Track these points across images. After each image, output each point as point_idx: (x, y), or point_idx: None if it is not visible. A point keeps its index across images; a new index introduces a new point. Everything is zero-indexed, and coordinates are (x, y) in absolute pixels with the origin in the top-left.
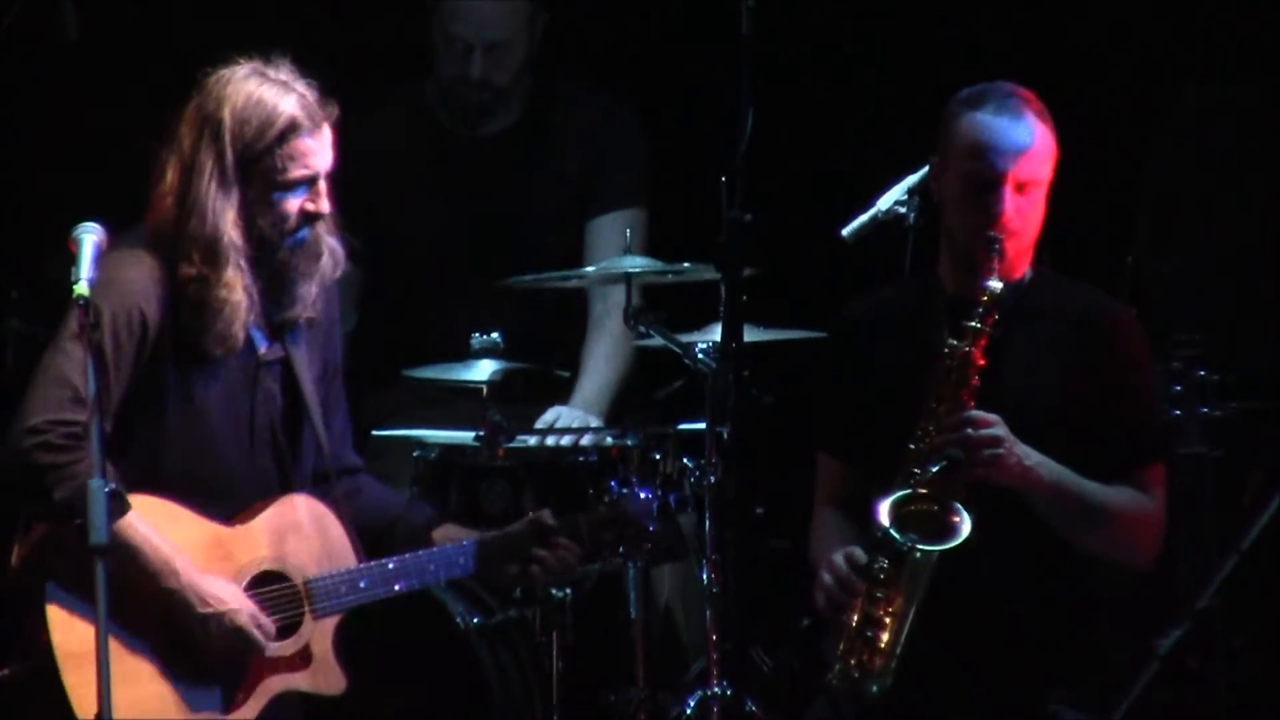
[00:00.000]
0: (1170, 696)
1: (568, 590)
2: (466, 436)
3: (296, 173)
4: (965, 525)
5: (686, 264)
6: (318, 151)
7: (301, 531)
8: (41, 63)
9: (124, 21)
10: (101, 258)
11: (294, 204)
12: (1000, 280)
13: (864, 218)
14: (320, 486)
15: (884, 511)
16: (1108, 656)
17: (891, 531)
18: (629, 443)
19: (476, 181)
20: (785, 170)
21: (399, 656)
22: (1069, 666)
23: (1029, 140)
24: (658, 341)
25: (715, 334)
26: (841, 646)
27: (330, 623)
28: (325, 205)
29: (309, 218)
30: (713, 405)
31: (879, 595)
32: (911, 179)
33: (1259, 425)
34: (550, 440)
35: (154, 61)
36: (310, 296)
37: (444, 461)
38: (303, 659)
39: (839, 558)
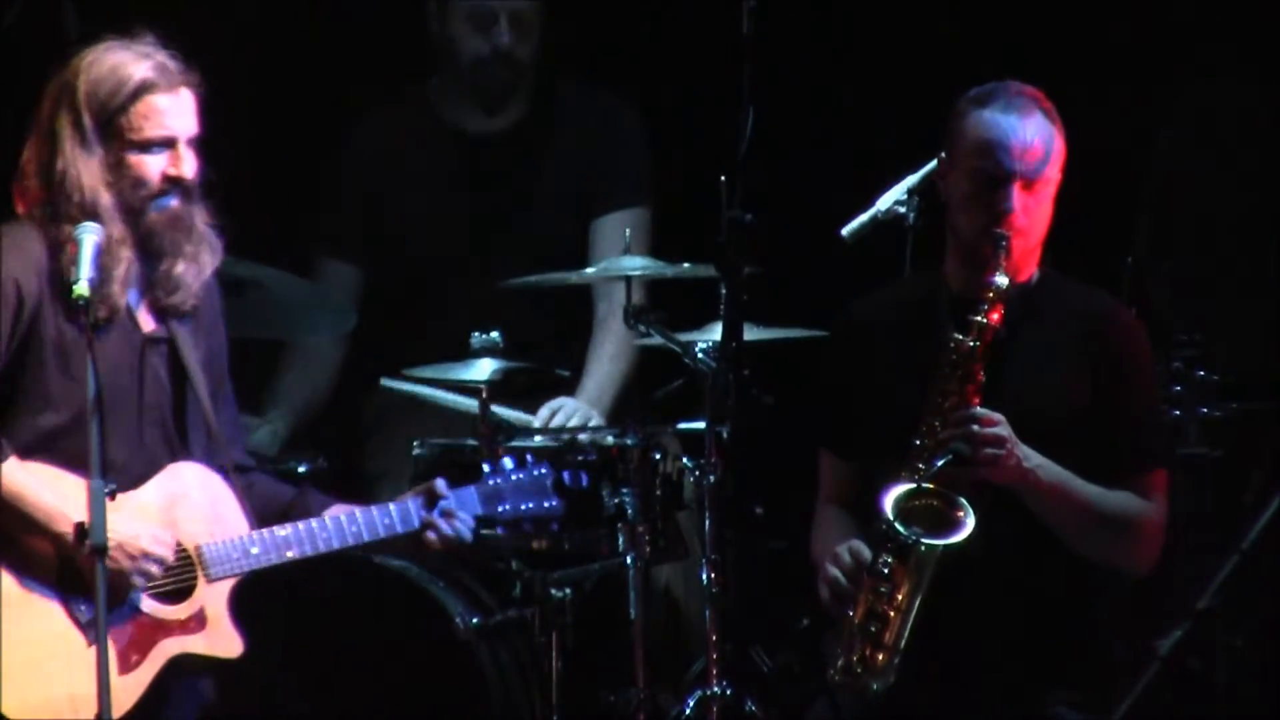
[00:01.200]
0: (1170, 696)
1: (567, 590)
2: (472, 404)
3: (152, 132)
4: (969, 521)
5: (687, 263)
6: (174, 112)
7: (191, 499)
8: (41, 63)
9: (124, 22)
10: None
11: (154, 165)
12: (1006, 277)
13: (864, 218)
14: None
15: (888, 505)
16: (1110, 658)
17: (896, 525)
18: (629, 442)
19: (479, 180)
20: (785, 170)
21: (399, 656)
22: (1070, 667)
23: (1037, 139)
24: (658, 340)
25: (715, 333)
26: (844, 642)
27: (224, 586)
28: (189, 170)
29: (172, 181)
30: (712, 405)
31: (883, 590)
32: (911, 179)
33: (1259, 425)
34: (549, 438)
35: None
36: (192, 284)
37: (443, 460)
38: (198, 622)
39: (844, 551)
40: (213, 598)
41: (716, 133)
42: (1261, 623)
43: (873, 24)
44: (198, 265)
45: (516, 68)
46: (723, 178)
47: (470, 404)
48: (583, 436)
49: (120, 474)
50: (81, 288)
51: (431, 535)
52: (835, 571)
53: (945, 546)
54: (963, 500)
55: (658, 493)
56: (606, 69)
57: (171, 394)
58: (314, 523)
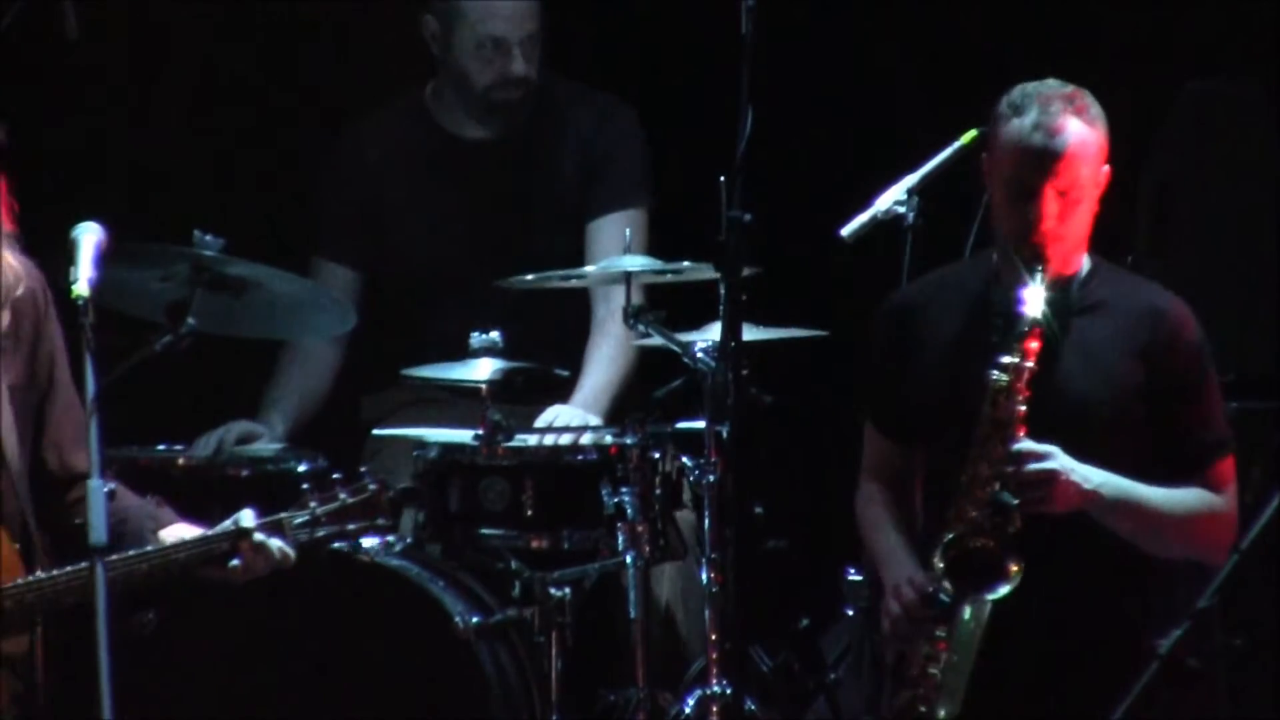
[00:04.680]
0: (1170, 696)
1: (567, 590)
2: (466, 436)
3: None
4: (1017, 572)
5: (686, 263)
6: None
7: None
8: (41, 63)
9: (125, 23)
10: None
11: None
12: (1041, 301)
13: (863, 218)
14: (48, 494)
15: (938, 557)
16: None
17: (944, 586)
18: (628, 442)
19: (476, 182)
20: (785, 170)
21: (398, 656)
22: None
23: (1070, 148)
24: (657, 340)
25: (714, 333)
26: (908, 676)
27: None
28: None
29: None
30: (712, 404)
31: (940, 635)
32: (911, 179)
33: (1259, 425)
34: (550, 439)
35: (154, 62)
36: None
37: (443, 460)
38: None
39: (907, 587)
40: None
41: (716, 133)
42: (1261, 623)
43: (872, 24)
44: None
45: (528, 87)
46: (722, 178)
47: None
48: (585, 438)
49: None
50: (80, 288)
51: (237, 564)
52: (897, 608)
53: (992, 601)
54: (1013, 547)
55: (657, 492)
56: (605, 69)
57: None
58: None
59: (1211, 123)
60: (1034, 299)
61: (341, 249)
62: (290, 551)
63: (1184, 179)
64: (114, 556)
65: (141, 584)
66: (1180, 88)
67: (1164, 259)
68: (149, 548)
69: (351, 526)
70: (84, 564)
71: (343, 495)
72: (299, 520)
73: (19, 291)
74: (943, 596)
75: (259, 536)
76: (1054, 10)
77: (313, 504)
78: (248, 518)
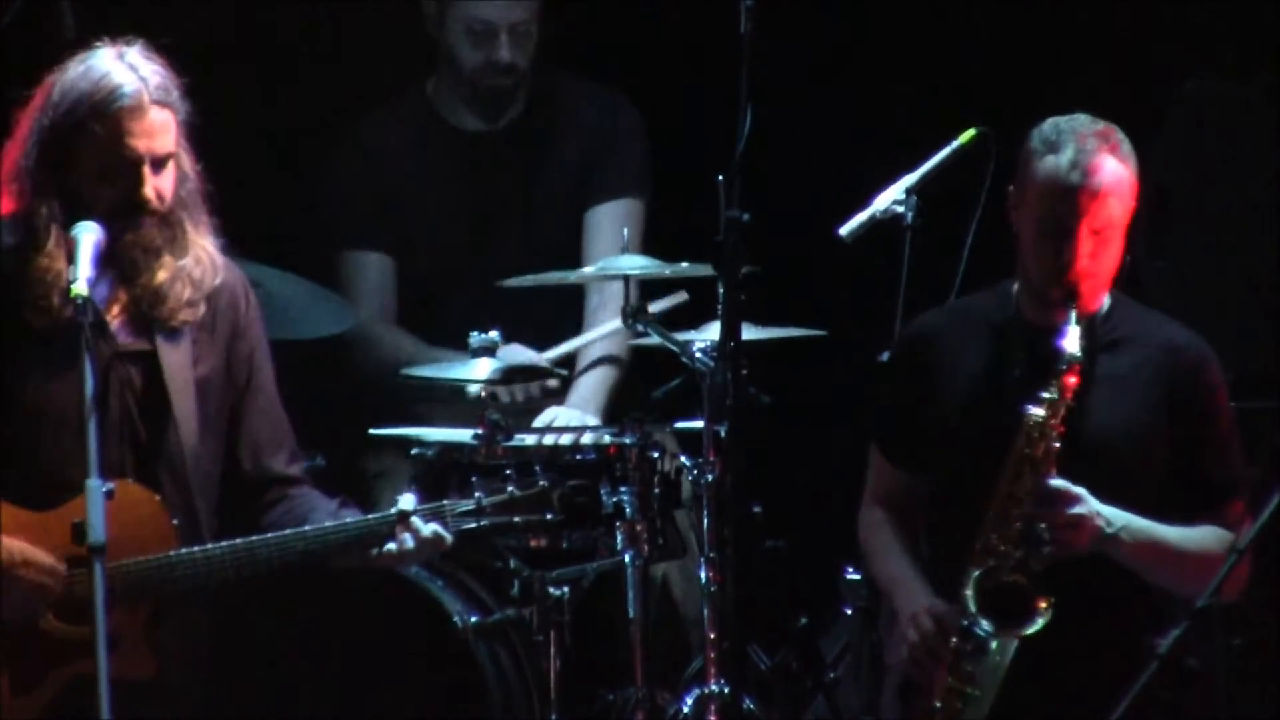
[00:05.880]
0: (1170, 696)
1: (565, 589)
2: (465, 435)
3: (119, 151)
4: (1047, 607)
5: (685, 263)
6: (141, 134)
7: (115, 517)
8: (40, 63)
9: (121, 22)
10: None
11: (117, 185)
12: (1079, 339)
13: (862, 217)
14: (240, 492)
15: (969, 588)
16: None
17: (978, 620)
18: (627, 441)
19: (479, 177)
20: (784, 170)
21: (396, 655)
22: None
23: (1105, 187)
24: (655, 340)
25: (713, 332)
26: (926, 706)
27: (140, 608)
28: (150, 193)
29: (133, 202)
30: (710, 403)
31: (967, 669)
32: (910, 178)
33: (1259, 425)
34: (549, 439)
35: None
36: (181, 298)
37: (442, 460)
38: (107, 643)
39: (925, 616)
40: (128, 619)
41: (715, 133)
42: (1261, 623)
43: (872, 23)
44: (187, 280)
45: (516, 76)
46: (720, 177)
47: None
48: (584, 438)
49: (69, 487)
50: (79, 287)
51: (393, 547)
52: (916, 636)
53: (1024, 635)
54: (1042, 585)
55: (656, 491)
56: (605, 68)
57: (144, 404)
58: (255, 539)
59: (1211, 123)
60: (1073, 336)
61: (370, 236)
62: (446, 537)
63: (1183, 179)
64: (270, 534)
65: (298, 562)
66: (1180, 88)
67: (1164, 259)
68: (306, 527)
69: (518, 520)
70: (237, 540)
71: (511, 489)
72: (462, 509)
73: (215, 282)
74: (978, 630)
75: (416, 521)
76: (1054, 10)
77: (479, 494)
78: (408, 501)
